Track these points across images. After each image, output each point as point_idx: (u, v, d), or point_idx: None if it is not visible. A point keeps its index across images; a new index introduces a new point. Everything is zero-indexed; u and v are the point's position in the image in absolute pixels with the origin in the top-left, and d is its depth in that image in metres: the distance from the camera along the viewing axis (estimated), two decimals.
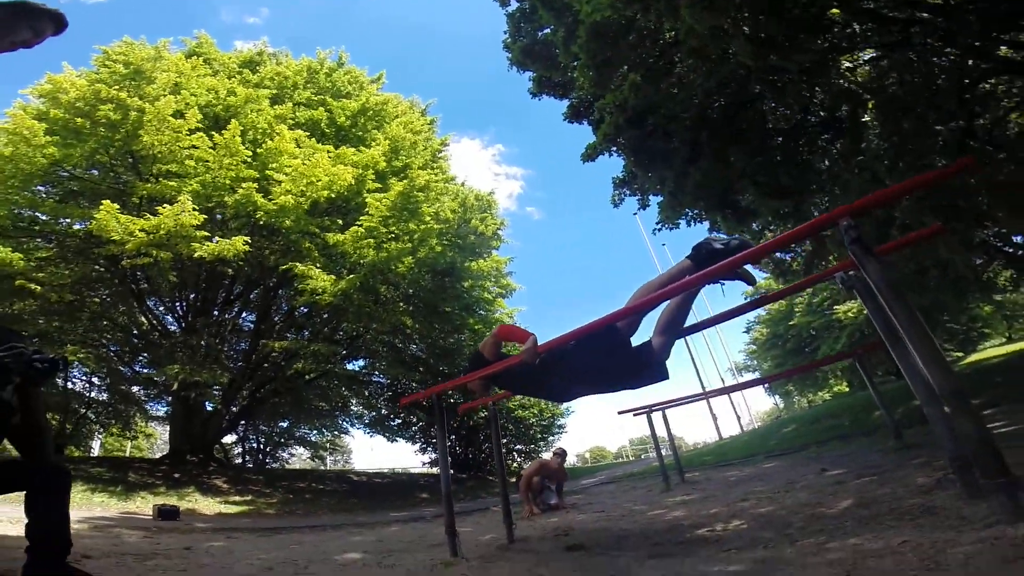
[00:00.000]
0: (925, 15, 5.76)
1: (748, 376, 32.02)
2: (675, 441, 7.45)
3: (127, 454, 22.70)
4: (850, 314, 20.59)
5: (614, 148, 8.21)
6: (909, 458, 3.97)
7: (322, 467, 23.15)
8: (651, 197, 9.15)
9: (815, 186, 7.83)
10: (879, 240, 6.13)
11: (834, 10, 5.93)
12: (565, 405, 21.84)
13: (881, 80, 6.95)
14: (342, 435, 22.09)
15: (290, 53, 16.31)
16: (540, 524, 4.59)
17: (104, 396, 14.09)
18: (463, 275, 12.98)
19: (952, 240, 6.81)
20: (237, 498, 9.34)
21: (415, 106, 16.80)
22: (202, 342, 10.96)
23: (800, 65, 5.60)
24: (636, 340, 2.63)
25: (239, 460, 18.46)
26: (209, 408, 12.94)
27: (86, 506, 7.03)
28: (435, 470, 19.29)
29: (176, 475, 10.12)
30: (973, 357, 17.40)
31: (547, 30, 8.95)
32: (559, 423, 22.41)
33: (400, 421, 19.69)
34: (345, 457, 38.36)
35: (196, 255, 9.32)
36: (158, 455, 15.58)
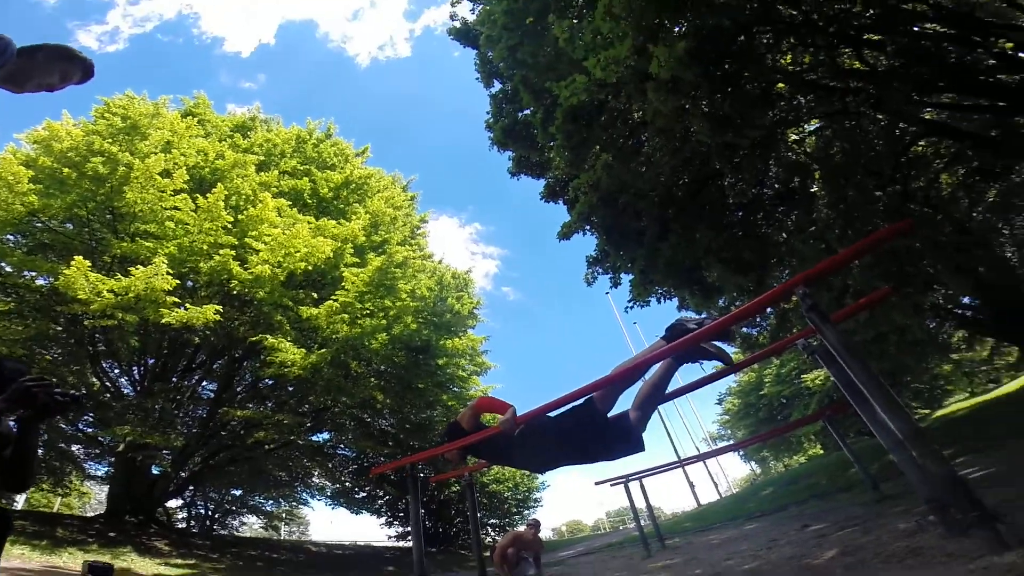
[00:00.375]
0: (859, 84, 6.35)
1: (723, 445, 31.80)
2: (653, 509, 7.23)
3: (55, 510, 20.39)
4: (817, 381, 21.21)
5: (588, 227, 8.39)
6: (889, 508, 3.94)
7: (276, 537, 21.31)
8: (623, 276, 9.24)
9: (775, 259, 8.17)
10: (838, 308, 6.39)
11: (780, 84, 6.52)
12: (540, 479, 21.45)
13: (827, 150, 7.53)
14: (300, 506, 20.58)
15: (281, 120, 16.68)
16: None
17: (39, 451, 12.84)
18: (438, 353, 12.76)
19: (904, 305, 7.16)
20: (179, 561, 8.41)
21: (397, 181, 17.13)
22: (157, 406, 10.28)
23: (752, 140, 6.05)
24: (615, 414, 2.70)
25: (183, 525, 16.85)
26: (156, 472, 11.94)
27: (3, 558, 6.19)
28: (402, 544, 18.11)
29: (111, 534, 9.08)
30: (940, 412, 17.84)
31: (527, 111, 9.27)
32: (534, 496, 21.81)
33: (365, 494, 18.69)
34: (302, 528, 35.62)
35: (164, 321, 8.92)
36: (91, 515, 14.09)
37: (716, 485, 26.25)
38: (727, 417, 31.47)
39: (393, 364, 11.75)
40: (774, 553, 3.35)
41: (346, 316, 10.33)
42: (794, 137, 8.05)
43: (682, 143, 7.12)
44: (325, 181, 13.82)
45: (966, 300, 10.15)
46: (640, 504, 6.92)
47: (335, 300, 10.41)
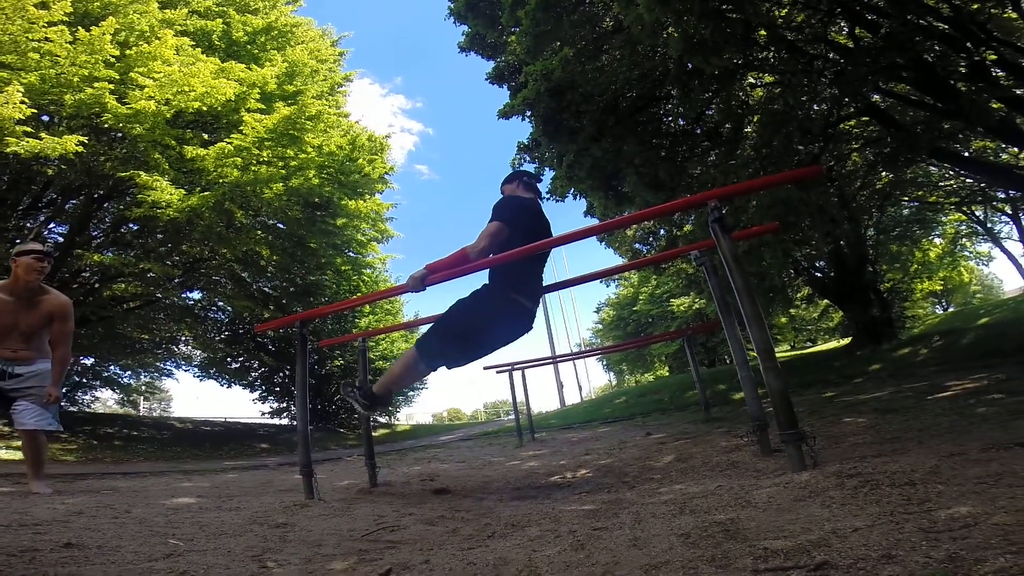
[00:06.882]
0: (832, 54, 6.77)
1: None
2: (529, 403, 7.87)
3: None
4: (682, 308, 24.37)
5: (529, 113, 8.48)
6: (714, 427, 4.86)
7: (135, 413, 20.09)
8: (547, 170, 9.65)
9: (684, 185, 8.94)
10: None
11: (762, 32, 6.74)
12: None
13: (768, 103, 8.09)
14: (164, 378, 19.26)
15: None
16: (403, 471, 4.61)
17: None
18: (339, 212, 11.98)
19: (778, 249, 8.22)
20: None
21: (327, 35, 14.92)
22: None
23: (718, 68, 6.23)
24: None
25: None
26: None
27: None
28: (276, 420, 18.16)
29: None
30: None
31: None
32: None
33: (239, 365, 17.86)
34: (163, 404, 33.91)
35: (9, 151, 7.49)
36: None
37: (580, 389, 29.71)
38: (600, 327, 35.18)
39: (286, 219, 10.96)
40: (624, 453, 3.98)
41: (239, 160, 9.32)
42: (751, 81, 8.48)
43: (644, 59, 7.44)
44: (242, 24, 11.78)
45: (820, 264, 12.05)
46: (519, 395, 7.41)
47: (229, 143, 9.28)
